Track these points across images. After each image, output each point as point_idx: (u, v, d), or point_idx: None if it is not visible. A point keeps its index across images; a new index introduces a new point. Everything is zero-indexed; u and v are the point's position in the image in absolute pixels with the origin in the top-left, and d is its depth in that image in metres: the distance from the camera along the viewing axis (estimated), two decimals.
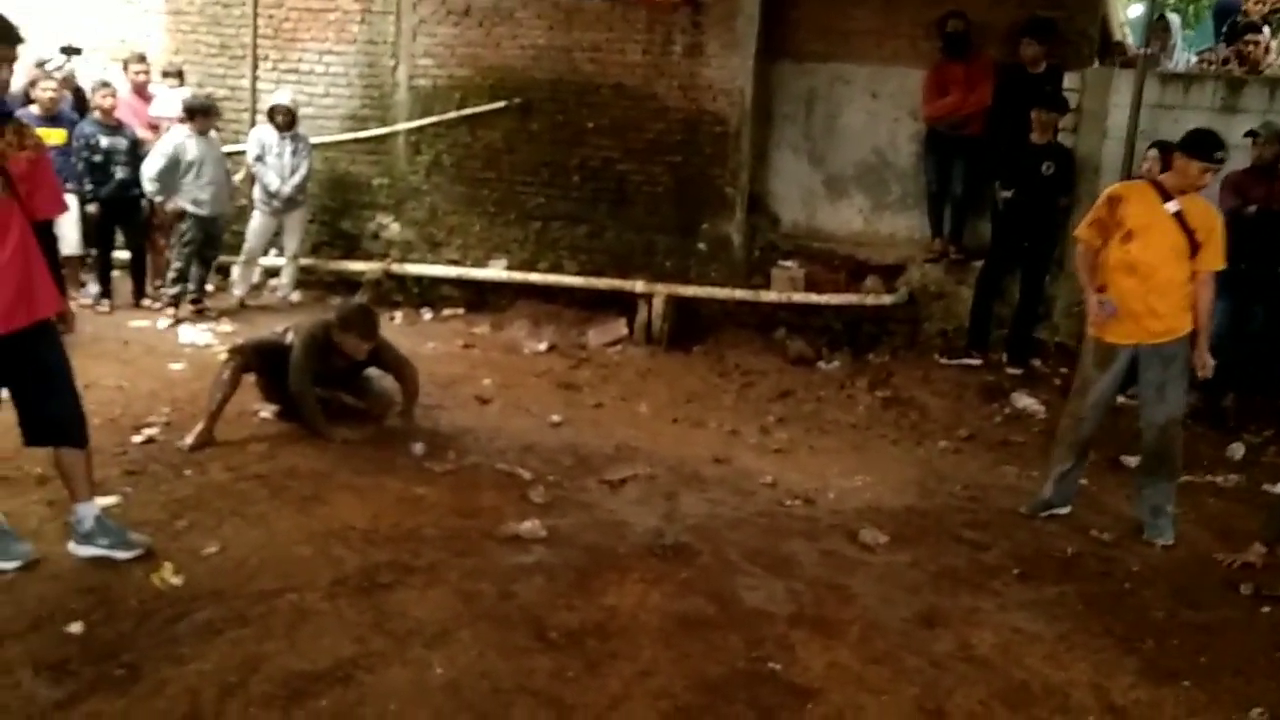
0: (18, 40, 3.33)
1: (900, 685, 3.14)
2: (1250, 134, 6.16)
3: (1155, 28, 7.42)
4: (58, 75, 7.51)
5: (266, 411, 5.26)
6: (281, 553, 3.72)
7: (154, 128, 7.82)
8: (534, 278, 8.09)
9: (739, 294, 7.68)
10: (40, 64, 7.52)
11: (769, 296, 7.64)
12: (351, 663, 3.03)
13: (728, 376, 7.05)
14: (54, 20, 8.30)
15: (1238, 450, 5.86)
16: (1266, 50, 7.25)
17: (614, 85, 7.95)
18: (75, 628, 3.11)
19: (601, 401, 6.29)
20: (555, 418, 5.76)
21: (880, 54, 7.77)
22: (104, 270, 7.52)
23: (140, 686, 2.85)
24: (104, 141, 7.21)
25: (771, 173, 8.19)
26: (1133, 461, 5.33)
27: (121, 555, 3.55)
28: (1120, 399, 4.85)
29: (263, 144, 7.75)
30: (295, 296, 8.19)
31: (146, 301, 7.63)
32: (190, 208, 7.28)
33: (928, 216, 7.73)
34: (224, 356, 5.23)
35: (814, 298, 7.53)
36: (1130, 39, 8.05)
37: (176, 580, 3.45)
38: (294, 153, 7.79)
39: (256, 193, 7.86)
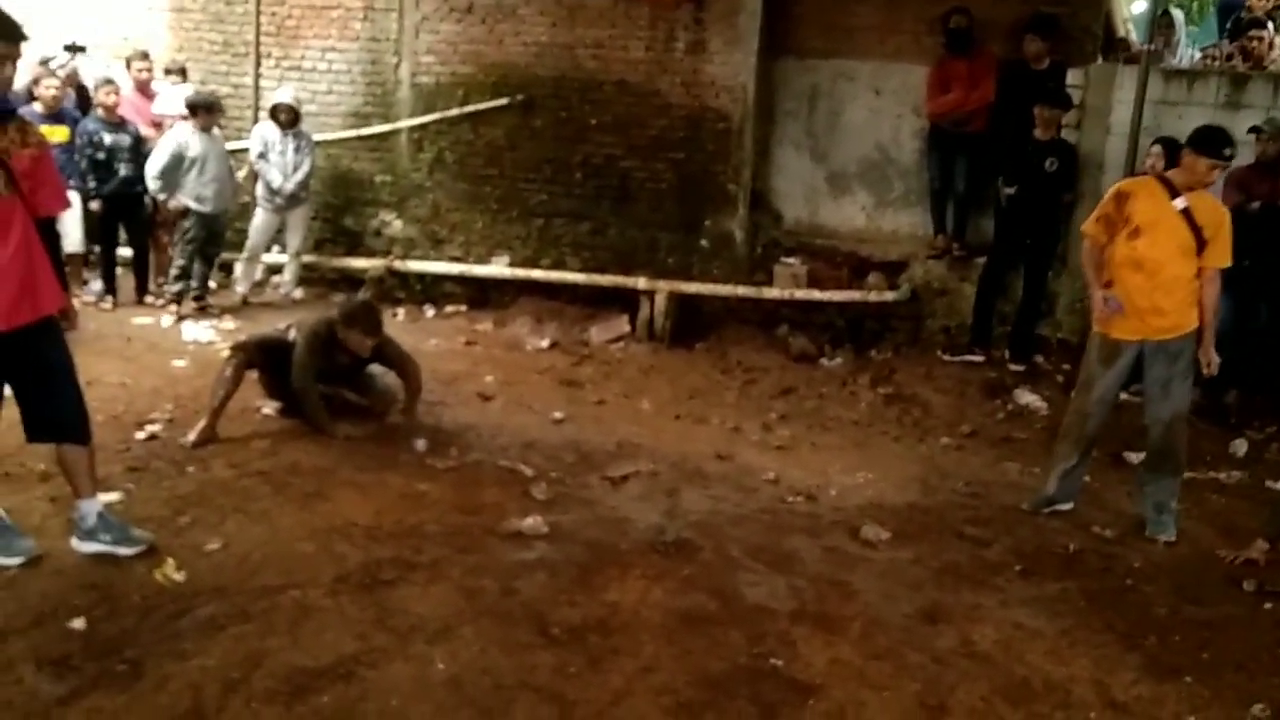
0: (21, 38, 3.33)
1: (902, 681, 3.14)
2: (1254, 130, 6.15)
3: (1159, 24, 7.41)
4: (61, 73, 7.53)
5: (269, 408, 5.27)
6: (284, 549, 3.73)
7: (157, 125, 7.83)
8: (536, 274, 8.10)
9: (741, 291, 7.68)
10: (44, 61, 7.54)
11: (771, 293, 7.63)
12: (354, 659, 3.03)
13: (730, 373, 7.05)
14: (57, 18, 8.30)
15: (1240, 447, 5.85)
16: (1271, 46, 7.23)
17: (617, 82, 7.95)
18: (78, 624, 3.12)
19: (604, 398, 6.29)
20: (557, 414, 5.77)
21: (883, 50, 7.76)
22: (107, 267, 7.53)
23: (143, 682, 2.86)
24: (107, 139, 7.23)
25: (774, 169, 8.18)
26: (1135, 458, 5.33)
27: (124, 551, 3.55)
28: (1123, 395, 4.84)
29: (265, 141, 7.75)
30: (298, 294, 8.21)
31: (149, 299, 7.63)
32: (193, 205, 7.29)
33: (930, 213, 7.72)
34: (226, 353, 5.22)
35: (816, 294, 7.53)
36: (1134, 35, 8.03)
37: (179, 576, 3.45)
38: (297, 150, 7.80)
39: (259, 190, 7.87)
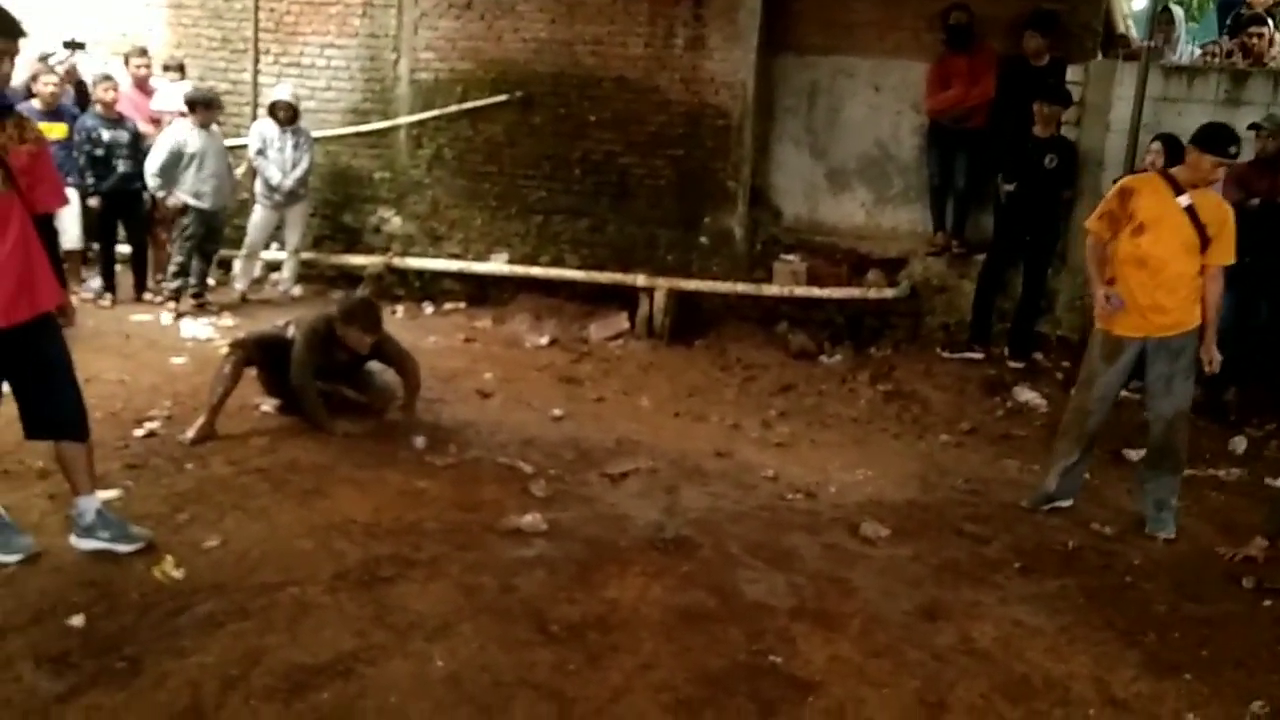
0: (19, 34, 3.33)
1: (901, 678, 3.14)
2: (1254, 127, 6.14)
3: (1159, 20, 7.39)
4: (60, 69, 7.51)
5: (268, 405, 5.27)
6: (283, 546, 3.72)
7: (155, 121, 7.82)
8: (535, 272, 8.09)
9: (741, 288, 7.67)
10: (44, 58, 7.52)
11: (771, 290, 7.63)
12: (352, 656, 3.03)
13: (729, 370, 7.05)
14: (56, 14, 8.28)
15: (1240, 444, 5.85)
16: (1271, 43, 7.21)
17: (616, 78, 7.94)
18: (76, 621, 3.12)
19: (603, 395, 6.29)
20: (556, 412, 5.76)
21: (883, 47, 7.75)
22: (106, 264, 7.52)
23: (141, 679, 2.86)
24: (105, 135, 7.22)
25: (773, 166, 8.18)
26: (1134, 455, 5.34)
27: (123, 548, 3.55)
28: (1123, 393, 4.84)
29: (264, 138, 7.74)
30: (296, 291, 8.20)
31: (148, 295, 7.63)
32: (191, 201, 7.28)
33: (930, 210, 7.71)
34: (225, 350, 5.23)
35: (816, 291, 7.52)
36: (1134, 32, 8.02)
37: (178, 573, 3.45)
38: (295, 146, 7.79)
39: (258, 187, 7.86)
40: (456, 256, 8.38)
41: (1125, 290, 4.38)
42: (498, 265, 8.22)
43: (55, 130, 6.84)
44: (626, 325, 7.65)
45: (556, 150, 8.14)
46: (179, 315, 7.21)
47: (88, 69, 7.91)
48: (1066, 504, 4.71)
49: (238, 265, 8.05)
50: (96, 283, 7.54)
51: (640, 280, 7.67)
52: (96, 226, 7.43)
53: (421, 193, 8.52)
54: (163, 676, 2.87)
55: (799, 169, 8.13)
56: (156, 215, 7.71)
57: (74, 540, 3.58)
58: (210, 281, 7.76)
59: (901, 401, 6.48)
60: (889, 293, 7.43)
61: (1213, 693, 3.21)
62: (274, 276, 8.34)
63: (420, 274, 8.37)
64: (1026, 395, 6.50)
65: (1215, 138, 4.28)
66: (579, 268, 8.05)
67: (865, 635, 3.39)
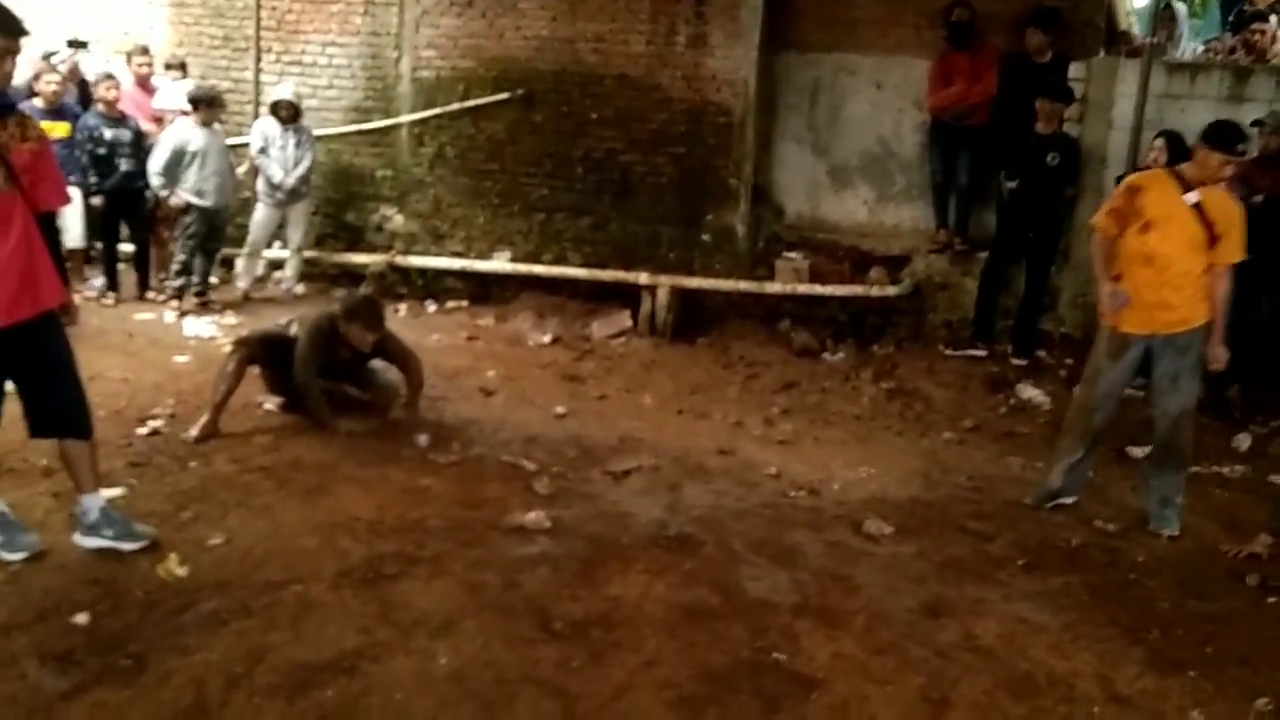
0: (21, 32, 3.33)
1: (905, 675, 3.14)
2: (1256, 123, 6.12)
3: (1162, 17, 7.38)
4: (62, 68, 7.52)
5: (271, 403, 5.27)
6: (286, 544, 3.73)
7: (157, 120, 7.83)
8: (538, 270, 8.09)
9: (743, 285, 7.67)
10: (46, 57, 7.53)
11: (773, 288, 7.63)
12: (356, 653, 3.03)
13: (732, 368, 7.05)
14: (57, 13, 8.29)
15: (1244, 441, 5.84)
16: (1273, 39, 7.21)
17: (617, 76, 7.94)
18: (81, 618, 3.12)
19: (606, 393, 6.29)
20: (559, 409, 5.76)
21: (885, 44, 7.75)
22: (109, 263, 7.53)
23: (146, 677, 2.86)
24: (108, 134, 7.22)
25: (776, 164, 8.17)
26: (1138, 452, 5.33)
27: (127, 546, 3.56)
28: (1127, 390, 4.83)
29: (266, 136, 7.75)
30: (299, 289, 8.21)
31: (151, 294, 7.63)
32: (194, 199, 7.28)
33: (932, 207, 7.71)
34: (228, 349, 5.23)
35: (818, 289, 7.52)
36: (1136, 28, 8.01)
37: (182, 571, 3.46)
38: (297, 145, 7.80)
39: (260, 185, 7.86)
40: (459, 255, 8.38)
41: (1132, 287, 4.38)
42: (500, 263, 8.22)
43: (58, 129, 6.85)
44: (629, 323, 7.65)
45: (558, 148, 8.14)
46: (182, 314, 7.22)
47: (90, 68, 7.92)
48: (1070, 501, 4.71)
49: (240, 264, 8.05)
50: (99, 281, 7.54)
51: (642, 278, 7.67)
52: (100, 225, 7.44)
53: (424, 191, 8.52)
54: (167, 674, 2.87)
55: (801, 166, 8.13)
56: (159, 214, 7.71)
57: (78, 538, 3.58)
58: (213, 280, 7.77)
59: (904, 399, 6.47)
60: (891, 290, 7.43)
61: (1217, 690, 3.20)
62: (276, 275, 8.35)
63: (423, 272, 8.37)
64: (1029, 392, 6.49)
65: (1224, 135, 4.27)
66: (581, 266, 8.06)
67: (868, 632, 3.38)
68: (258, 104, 8.55)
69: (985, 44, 7.27)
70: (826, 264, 7.69)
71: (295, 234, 8.06)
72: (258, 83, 8.66)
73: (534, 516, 4.07)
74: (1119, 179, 6.26)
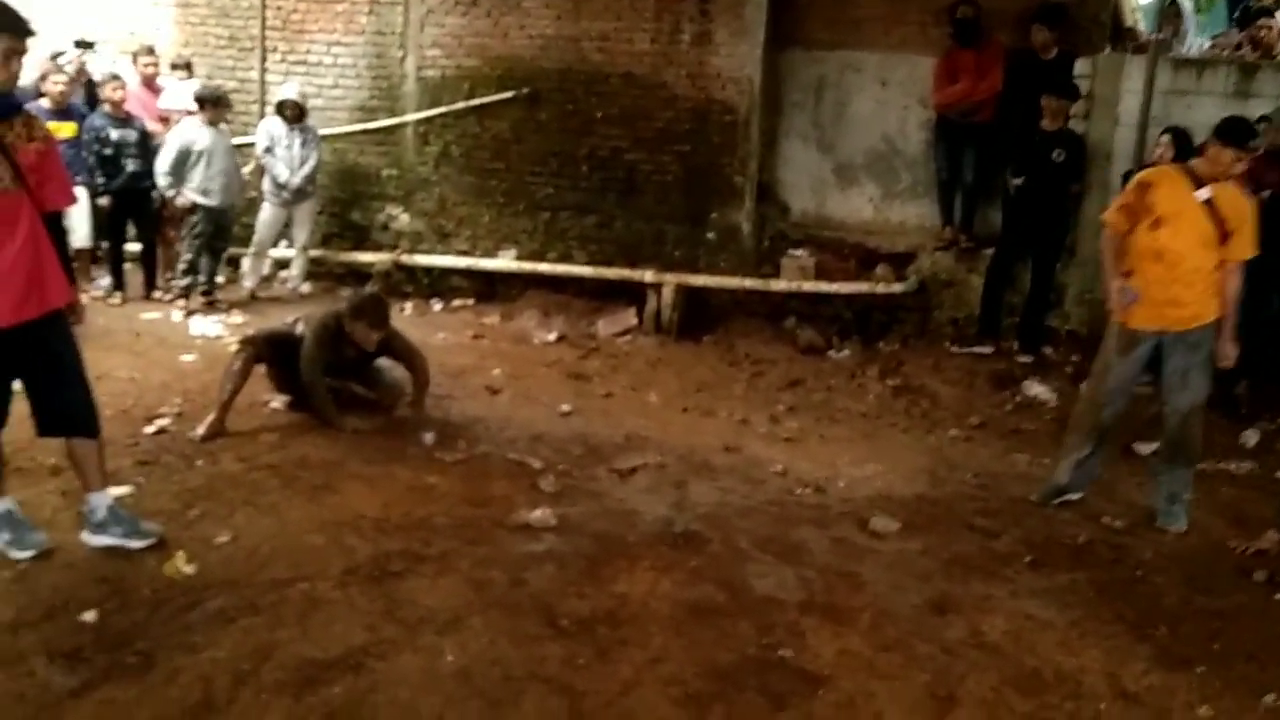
0: (27, 33, 3.34)
1: (911, 672, 3.14)
2: (1262, 119, 6.10)
3: (1167, 13, 7.36)
4: (69, 69, 7.53)
5: (277, 402, 5.28)
6: (293, 542, 3.73)
7: (163, 120, 7.84)
8: (543, 268, 8.10)
9: (749, 283, 7.67)
10: (53, 57, 7.55)
11: (779, 285, 7.62)
12: (363, 650, 3.04)
13: (738, 365, 7.04)
14: (64, 14, 8.31)
15: (1251, 437, 5.82)
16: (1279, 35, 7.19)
17: (622, 74, 7.94)
18: (89, 616, 3.13)
19: (611, 391, 6.29)
20: (565, 407, 5.77)
21: (889, 41, 7.74)
22: (115, 263, 7.55)
23: (153, 674, 2.87)
24: (114, 134, 7.24)
25: (781, 161, 8.17)
26: (1145, 449, 5.33)
27: (134, 544, 3.57)
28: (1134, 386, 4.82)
29: (272, 136, 7.76)
30: (305, 288, 8.22)
31: (157, 294, 7.65)
32: (200, 199, 7.30)
33: (938, 204, 7.70)
34: (235, 348, 5.24)
35: (824, 286, 7.52)
36: (1142, 24, 7.98)
37: (189, 569, 3.47)
38: (303, 144, 7.81)
39: (266, 184, 7.88)
40: (464, 253, 8.39)
41: (1142, 284, 4.36)
42: (506, 262, 8.22)
43: (64, 129, 6.87)
44: (634, 321, 7.65)
45: (563, 147, 8.14)
46: (189, 313, 7.23)
47: (96, 68, 7.94)
48: (1076, 497, 4.70)
49: (246, 263, 8.06)
50: (106, 281, 7.56)
51: (648, 276, 7.67)
52: (106, 225, 7.46)
53: (429, 190, 8.53)
54: (174, 671, 2.88)
55: (806, 164, 8.12)
56: (165, 213, 7.72)
57: (86, 536, 3.59)
58: (219, 279, 7.79)
59: (910, 396, 6.47)
60: (897, 287, 7.42)
61: (1224, 686, 3.19)
62: (283, 274, 8.37)
63: (428, 271, 8.38)
64: (1036, 389, 6.48)
65: (1236, 131, 4.27)
66: (587, 264, 8.06)
67: (875, 629, 3.38)
68: (263, 103, 8.57)
69: (990, 41, 7.26)
70: (832, 261, 7.68)
71: (301, 233, 8.07)
72: (263, 82, 8.68)
73: (540, 514, 4.08)
74: (1125, 176, 6.27)
